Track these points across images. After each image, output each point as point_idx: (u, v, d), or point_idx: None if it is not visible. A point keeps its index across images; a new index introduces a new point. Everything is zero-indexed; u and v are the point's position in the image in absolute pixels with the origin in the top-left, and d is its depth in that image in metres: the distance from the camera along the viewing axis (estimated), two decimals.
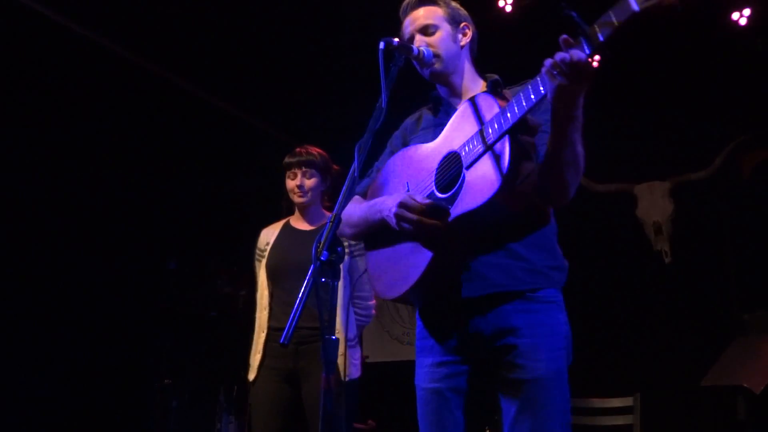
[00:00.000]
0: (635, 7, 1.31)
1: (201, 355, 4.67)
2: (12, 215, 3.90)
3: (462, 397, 1.74)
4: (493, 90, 1.85)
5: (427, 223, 1.63)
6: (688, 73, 4.30)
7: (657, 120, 4.52)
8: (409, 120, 2.03)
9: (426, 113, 2.00)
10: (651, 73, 4.37)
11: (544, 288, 1.72)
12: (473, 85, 1.93)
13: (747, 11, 4.03)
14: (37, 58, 3.85)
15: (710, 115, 4.37)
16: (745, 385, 3.08)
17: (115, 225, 4.45)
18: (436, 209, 1.65)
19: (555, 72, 1.43)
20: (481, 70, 1.97)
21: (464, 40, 1.93)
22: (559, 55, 1.41)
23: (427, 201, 1.67)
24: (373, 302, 3.02)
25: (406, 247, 1.75)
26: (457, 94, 1.93)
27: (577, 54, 1.40)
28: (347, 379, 2.77)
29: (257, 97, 4.68)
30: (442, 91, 1.95)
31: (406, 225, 1.66)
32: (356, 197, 1.96)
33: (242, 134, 4.92)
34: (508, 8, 4.03)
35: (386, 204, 1.73)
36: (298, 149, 2.99)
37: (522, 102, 1.52)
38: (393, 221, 1.68)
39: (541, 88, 1.49)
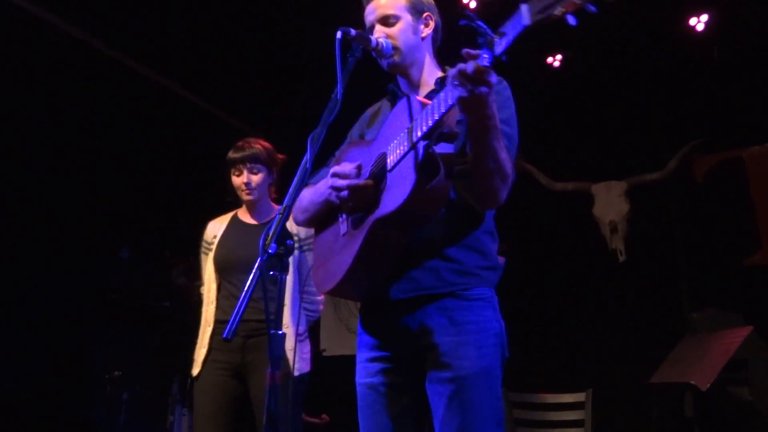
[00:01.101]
0: (527, 21, 1.31)
1: (154, 347, 4.58)
2: None
3: (398, 392, 1.72)
4: (440, 88, 1.83)
5: (358, 183, 1.65)
6: (646, 76, 4.38)
7: (614, 121, 4.58)
8: (369, 111, 2.01)
9: (385, 105, 1.97)
10: (610, 75, 4.43)
11: (474, 287, 1.71)
12: (431, 78, 1.90)
13: (704, 17, 4.11)
14: None
15: (667, 118, 4.45)
16: (692, 382, 3.15)
17: (68, 212, 4.32)
18: (373, 176, 1.66)
19: (456, 82, 1.42)
20: (444, 61, 1.94)
21: (426, 32, 1.90)
22: (461, 65, 1.40)
23: (356, 164, 1.69)
24: (321, 297, 3.00)
25: (341, 241, 1.74)
26: (415, 86, 1.90)
27: (472, 64, 1.38)
28: (297, 373, 2.74)
29: (214, 85, 4.60)
30: (401, 82, 1.92)
31: (343, 194, 1.67)
32: (310, 184, 1.94)
33: (199, 121, 4.82)
34: (473, 4, 4.04)
35: (327, 183, 1.73)
36: (240, 143, 2.92)
37: (433, 112, 1.51)
38: (332, 194, 1.69)
39: (451, 97, 1.46)
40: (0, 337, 3.95)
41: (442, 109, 1.48)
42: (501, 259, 1.80)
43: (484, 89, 1.42)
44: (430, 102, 1.57)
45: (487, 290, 1.74)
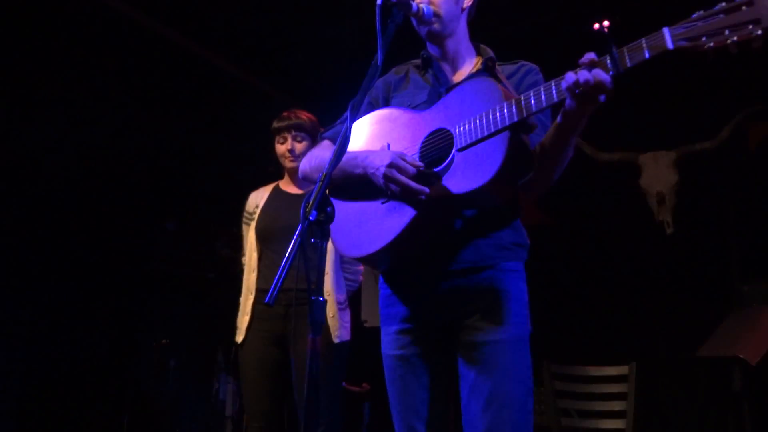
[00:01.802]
0: (670, 44, 1.28)
1: (199, 316, 4.69)
2: (8, 172, 3.87)
3: (428, 363, 1.74)
4: (487, 68, 1.81)
5: (415, 188, 1.61)
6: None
7: (664, 89, 4.43)
8: (394, 75, 1.97)
9: (413, 71, 1.94)
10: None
11: (509, 261, 1.73)
12: (466, 52, 1.89)
13: None
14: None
15: (719, 86, 4.29)
16: (741, 356, 3.07)
17: (115, 185, 4.43)
18: (427, 177, 1.64)
19: (576, 90, 1.42)
20: (475, 38, 1.92)
21: (466, 2, 1.88)
22: (583, 75, 1.40)
23: (420, 165, 1.65)
24: (361, 267, 3.02)
25: (380, 207, 1.72)
26: (448, 58, 1.88)
27: (601, 76, 1.39)
28: (337, 341, 2.77)
29: (256, 56, 4.60)
30: (433, 51, 1.90)
31: (394, 186, 1.64)
32: (326, 142, 1.92)
33: (242, 94, 4.85)
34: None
35: (371, 161, 1.69)
36: (286, 113, 2.98)
37: (531, 102, 1.50)
38: (380, 180, 1.66)
39: (555, 95, 1.48)
40: (53, 306, 4.10)
41: (544, 102, 1.49)
42: (528, 239, 1.84)
43: (602, 99, 1.42)
44: (508, 91, 1.59)
45: (519, 264, 1.77)
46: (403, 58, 1.99)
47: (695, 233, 4.30)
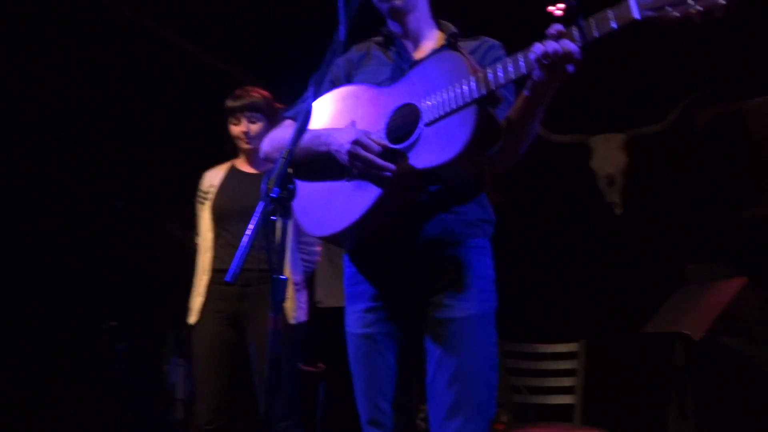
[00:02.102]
0: (636, 14, 1.30)
1: (149, 298, 4.59)
2: None
3: (394, 341, 1.75)
4: (450, 44, 1.80)
5: (381, 164, 1.60)
6: (647, 25, 4.29)
7: (615, 72, 4.51)
8: (356, 52, 1.94)
9: (375, 48, 1.92)
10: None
11: (476, 237, 1.73)
12: (428, 28, 1.87)
13: None
14: None
15: (668, 70, 4.39)
16: (685, 331, 3.18)
17: (61, 162, 4.26)
18: (392, 153, 1.62)
19: (545, 61, 1.42)
20: (435, 14, 1.91)
21: None
22: (551, 45, 1.40)
23: (384, 142, 1.64)
24: (318, 248, 3.00)
25: (345, 185, 1.70)
26: (410, 35, 1.86)
27: (569, 46, 1.39)
28: (294, 322, 2.75)
29: (209, 32, 4.48)
30: (394, 27, 1.88)
31: (359, 164, 1.62)
32: (288, 122, 1.89)
33: (194, 71, 4.72)
34: None
35: (335, 138, 1.67)
36: (238, 92, 2.89)
37: (499, 74, 1.50)
38: (344, 157, 1.64)
39: (522, 68, 1.47)
40: None
41: (512, 74, 1.48)
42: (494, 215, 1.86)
43: (570, 69, 1.42)
44: (475, 65, 1.58)
45: (486, 240, 1.78)
46: (362, 37, 1.96)
47: (643, 214, 4.42)
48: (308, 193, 1.80)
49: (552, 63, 1.41)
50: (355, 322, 1.80)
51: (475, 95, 1.53)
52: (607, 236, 4.50)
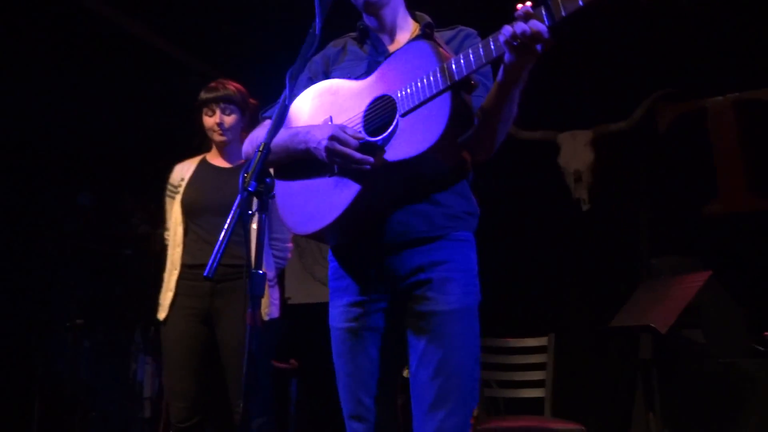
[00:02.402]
0: None
1: (115, 295, 4.51)
2: None
3: (377, 335, 1.74)
4: (426, 35, 1.80)
5: (359, 158, 1.59)
6: (613, 24, 4.35)
7: (581, 71, 4.58)
8: (333, 48, 1.94)
9: (351, 44, 1.92)
10: (577, 24, 4.39)
11: (460, 230, 1.74)
12: (403, 22, 1.87)
13: None
14: None
15: (632, 68, 4.46)
16: (651, 324, 3.24)
17: (25, 155, 4.16)
18: (370, 146, 1.62)
19: (514, 43, 1.42)
20: (412, 6, 1.91)
21: None
22: (519, 27, 1.40)
23: (361, 135, 1.64)
24: (290, 245, 2.98)
25: (326, 182, 1.70)
26: (385, 29, 1.86)
27: (537, 26, 1.39)
28: (267, 318, 2.74)
29: (176, 24, 4.41)
30: (370, 22, 1.87)
31: (337, 159, 1.62)
32: (267, 122, 1.88)
33: (160, 64, 4.64)
34: None
35: (313, 135, 1.67)
36: (213, 84, 2.86)
37: (471, 59, 1.50)
38: (322, 153, 1.63)
39: (493, 49, 1.48)
40: None
41: (483, 58, 1.48)
42: (478, 207, 1.84)
43: (539, 49, 1.43)
44: (447, 52, 1.57)
45: (470, 233, 1.78)
46: (338, 32, 1.96)
47: (609, 210, 4.49)
48: (291, 192, 1.80)
49: (521, 44, 1.42)
50: (339, 316, 1.79)
51: (448, 82, 1.53)
52: (574, 232, 4.56)
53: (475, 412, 3.70)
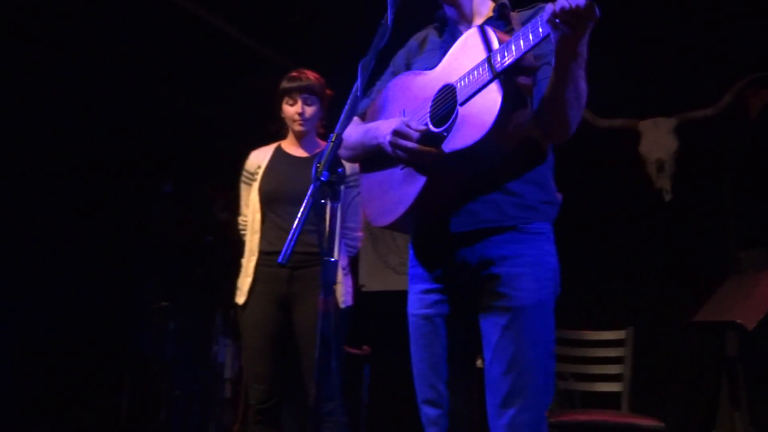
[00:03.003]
0: None
1: (198, 279, 4.69)
2: None
3: (452, 322, 1.75)
4: (501, 15, 1.78)
5: (421, 150, 1.61)
6: (698, 7, 4.15)
7: (664, 55, 4.39)
8: (414, 41, 1.97)
9: (432, 34, 1.93)
10: (660, 7, 4.22)
11: (534, 221, 1.71)
12: (482, 6, 1.85)
13: None
14: None
15: (720, 52, 4.25)
16: (738, 321, 3.10)
17: (110, 147, 4.37)
18: (431, 137, 1.63)
19: (557, 21, 1.39)
20: None
21: None
22: (560, 3, 1.38)
23: (422, 128, 1.65)
24: (360, 234, 3.02)
25: (398, 175, 1.73)
26: (464, 15, 1.85)
27: (576, 1, 1.36)
28: (343, 305, 2.79)
29: (253, 16, 4.52)
30: (449, 11, 1.87)
31: (400, 152, 1.64)
32: (355, 118, 1.92)
33: (239, 54, 4.77)
34: None
35: (381, 130, 1.70)
36: (295, 73, 2.91)
37: (520, 43, 1.48)
38: (389, 148, 1.66)
39: (541, 30, 1.45)
40: (50, 270, 4.08)
41: (532, 40, 1.46)
42: (559, 195, 1.80)
43: (586, 25, 1.40)
44: (506, 36, 1.55)
45: (546, 225, 1.75)
46: (422, 15, 1.96)
47: (694, 200, 4.31)
48: (370, 186, 1.86)
49: (563, 21, 1.39)
50: (415, 302, 1.81)
51: (494, 72, 1.52)
52: (656, 223, 4.40)
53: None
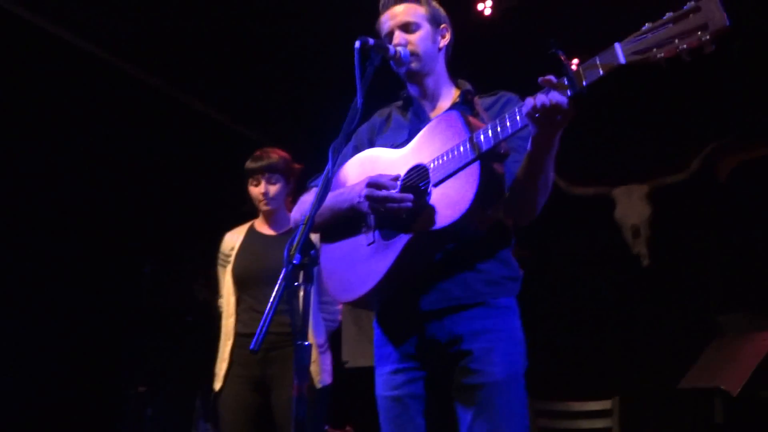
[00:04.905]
0: (621, 59, 1.32)
1: (177, 361, 4.59)
2: None
3: (421, 402, 1.73)
4: (465, 100, 1.85)
5: (398, 197, 1.62)
6: (666, 76, 4.31)
7: (634, 123, 4.54)
8: (378, 117, 2.01)
9: (395, 112, 1.98)
10: (629, 76, 4.37)
11: (501, 296, 1.72)
12: (446, 90, 1.92)
13: None
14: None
15: (688, 119, 4.39)
16: (722, 387, 3.08)
17: (90, 227, 4.36)
18: (408, 188, 1.65)
19: (536, 115, 1.45)
20: (455, 73, 1.96)
21: (442, 42, 1.92)
22: (540, 99, 1.44)
23: (396, 185, 1.67)
24: (340, 307, 2.99)
25: (365, 250, 1.73)
26: (428, 96, 1.91)
27: (557, 98, 1.42)
28: (320, 385, 2.73)
29: (229, 97, 4.62)
30: (413, 90, 1.93)
31: (376, 205, 1.65)
32: (314, 190, 1.93)
33: (216, 135, 4.85)
34: (488, 11, 4.02)
35: (354, 190, 1.72)
36: (258, 153, 2.93)
37: (498, 130, 1.54)
38: (364, 204, 1.67)
39: (518, 120, 1.51)
40: (26, 350, 3.98)
41: (509, 128, 1.52)
42: (521, 271, 1.82)
43: (563, 121, 1.46)
44: (477, 120, 1.62)
45: (512, 299, 1.76)
46: (385, 98, 2.02)
47: (671, 265, 4.35)
48: (333, 259, 1.83)
49: (542, 116, 1.44)
50: (383, 384, 1.79)
51: (476, 153, 1.56)
52: (636, 289, 4.43)
53: None
